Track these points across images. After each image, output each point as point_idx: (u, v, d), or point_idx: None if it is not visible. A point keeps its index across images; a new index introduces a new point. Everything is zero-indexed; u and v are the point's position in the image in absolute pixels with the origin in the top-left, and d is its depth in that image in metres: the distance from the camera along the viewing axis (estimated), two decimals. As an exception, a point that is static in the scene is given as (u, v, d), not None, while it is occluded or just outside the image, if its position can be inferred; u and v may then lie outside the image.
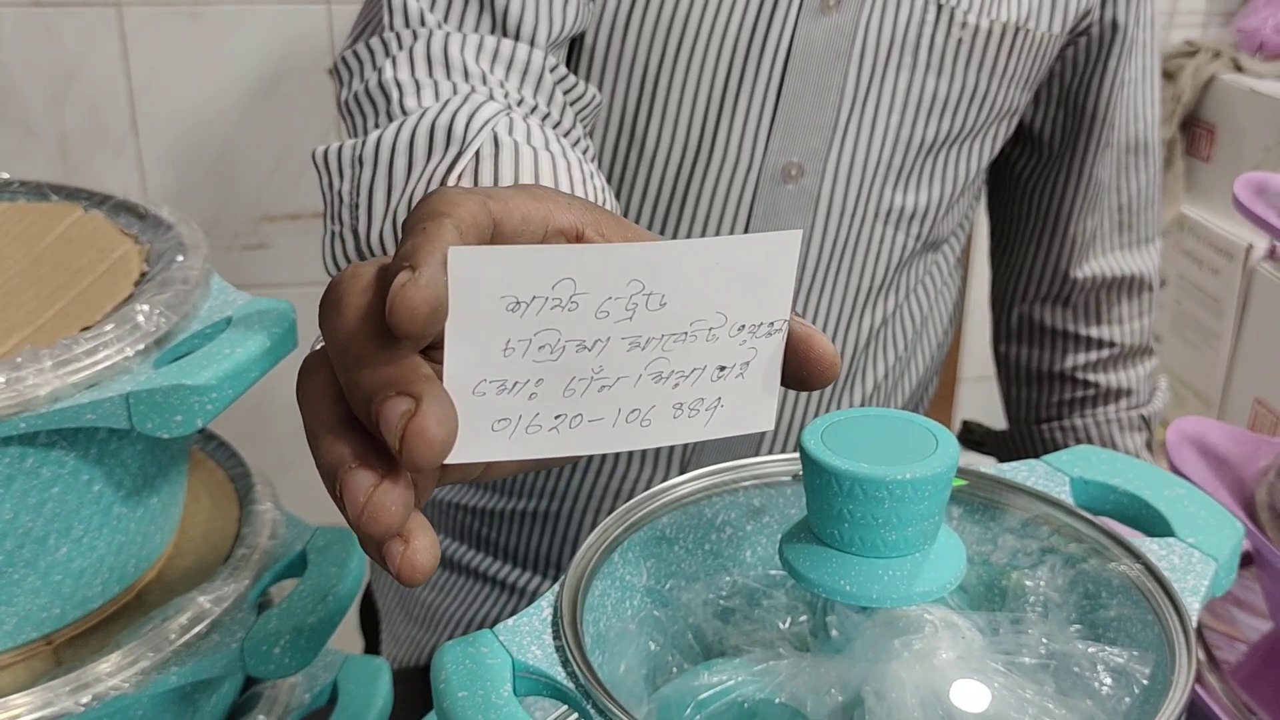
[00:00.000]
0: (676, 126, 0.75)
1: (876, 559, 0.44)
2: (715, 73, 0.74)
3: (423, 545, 0.33)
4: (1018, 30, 0.79)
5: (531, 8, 0.67)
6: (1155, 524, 0.50)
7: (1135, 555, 0.47)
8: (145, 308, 0.51)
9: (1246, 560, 0.70)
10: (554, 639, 0.43)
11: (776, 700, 0.45)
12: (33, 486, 0.49)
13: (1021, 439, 1.00)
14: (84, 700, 0.49)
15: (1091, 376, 0.96)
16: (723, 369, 0.38)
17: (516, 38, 0.66)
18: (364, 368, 0.32)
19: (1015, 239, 0.96)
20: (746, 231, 0.78)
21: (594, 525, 0.81)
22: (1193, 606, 0.45)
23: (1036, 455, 0.76)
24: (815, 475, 0.43)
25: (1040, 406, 0.99)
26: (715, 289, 0.36)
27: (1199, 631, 0.65)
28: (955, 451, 0.43)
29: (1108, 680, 0.43)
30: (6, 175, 0.65)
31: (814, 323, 0.82)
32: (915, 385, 0.92)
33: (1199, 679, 0.61)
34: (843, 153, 0.78)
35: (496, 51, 0.64)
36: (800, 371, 0.39)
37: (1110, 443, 0.94)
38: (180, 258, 0.56)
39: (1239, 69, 1.77)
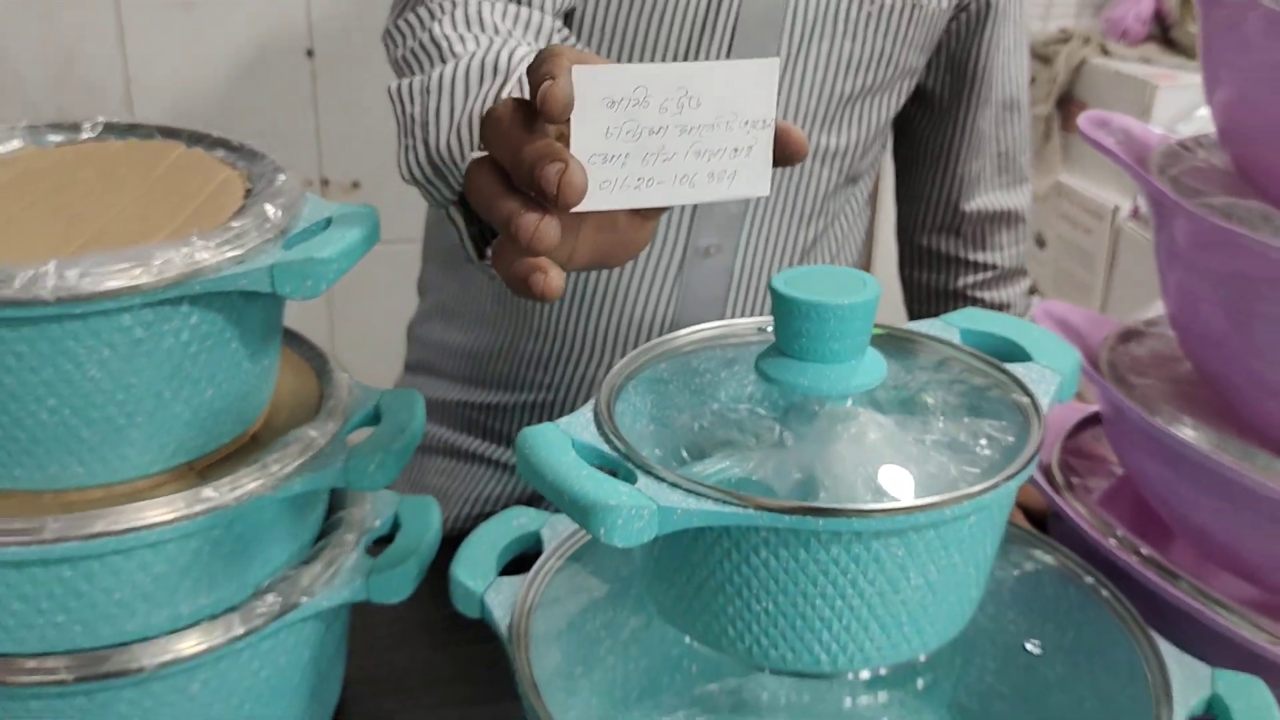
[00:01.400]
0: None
1: (825, 364, 0.62)
2: (678, 40, 0.93)
3: (557, 272, 0.56)
4: (914, 6, 0.98)
5: None
6: (1019, 354, 0.70)
7: (1005, 372, 0.66)
8: (269, 206, 0.67)
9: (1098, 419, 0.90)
10: (597, 428, 0.61)
11: (753, 479, 0.63)
12: (195, 339, 0.65)
13: None
14: (235, 495, 0.66)
15: (979, 294, 1.17)
16: (736, 150, 0.58)
17: (530, 5, 0.84)
18: (523, 147, 0.53)
19: (915, 180, 1.16)
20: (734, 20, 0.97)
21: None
22: (1044, 403, 0.65)
23: None
24: (782, 305, 0.62)
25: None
26: (730, 95, 0.57)
27: (1066, 468, 0.84)
28: (878, 289, 0.62)
29: (986, 446, 0.62)
30: (118, 119, 0.80)
31: (759, 239, 1.01)
32: None
33: (1068, 506, 0.80)
34: (779, 102, 0.97)
35: (517, 16, 0.82)
36: (782, 152, 0.59)
37: None
38: (281, 176, 0.72)
39: (1106, 53, 2.01)
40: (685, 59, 0.93)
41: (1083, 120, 0.83)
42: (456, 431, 1.08)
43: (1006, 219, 1.16)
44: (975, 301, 1.18)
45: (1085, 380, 0.78)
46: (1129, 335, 0.85)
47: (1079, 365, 0.70)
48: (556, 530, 0.75)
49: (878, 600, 0.59)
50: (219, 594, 0.69)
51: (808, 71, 0.97)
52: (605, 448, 0.60)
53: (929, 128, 1.13)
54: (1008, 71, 1.10)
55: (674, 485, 0.57)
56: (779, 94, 0.97)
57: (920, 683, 0.65)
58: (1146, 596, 0.73)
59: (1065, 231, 2.00)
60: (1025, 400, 0.65)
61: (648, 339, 0.97)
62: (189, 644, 0.68)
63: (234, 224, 0.66)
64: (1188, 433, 0.73)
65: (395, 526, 0.79)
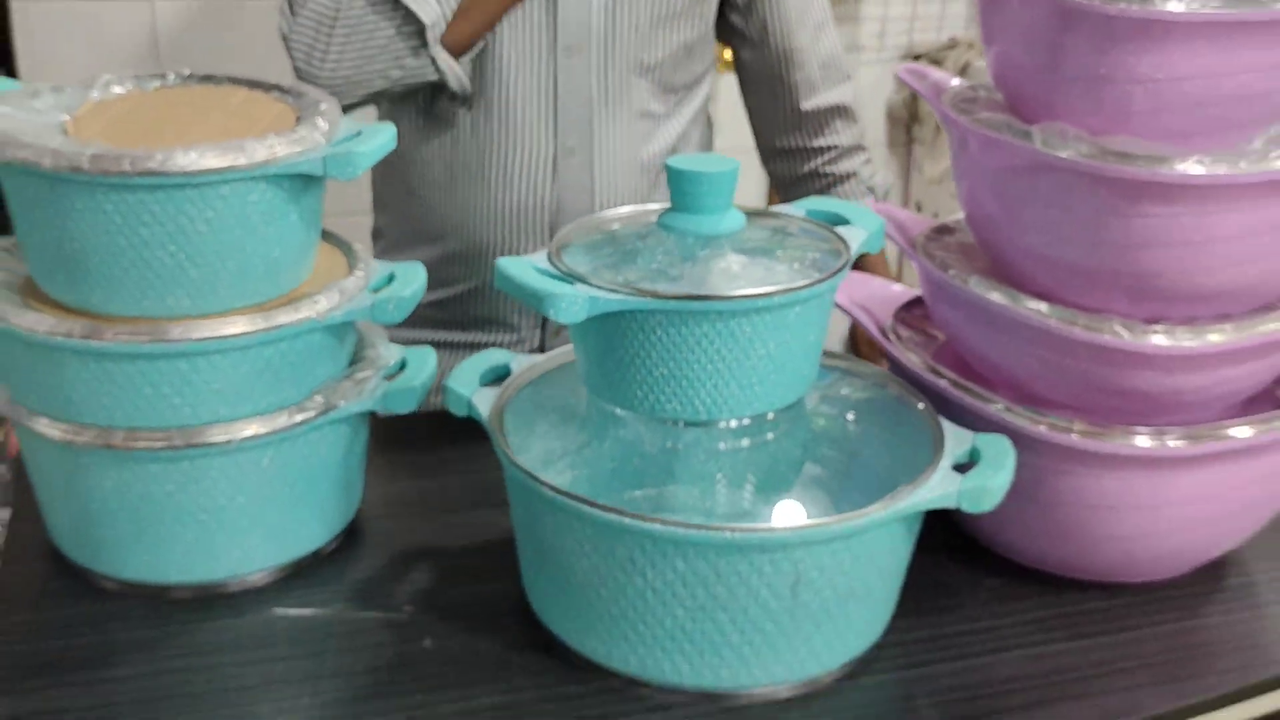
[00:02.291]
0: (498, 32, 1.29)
1: (705, 214, 0.92)
2: None
3: None
4: None
5: None
6: (843, 222, 1.00)
7: (829, 229, 0.97)
8: (320, 120, 0.97)
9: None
10: (548, 259, 0.91)
11: (652, 286, 0.92)
12: (268, 209, 0.94)
13: None
14: (296, 318, 0.94)
15: (827, 169, 1.50)
16: None
17: None
18: None
19: (758, 96, 1.50)
20: (555, 85, 1.32)
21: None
22: (853, 247, 0.95)
23: None
24: (675, 175, 0.92)
25: (802, 196, 1.52)
26: None
27: (895, 330, 1.14)
28: (737, 164, 0.92)
29: (810, 267, 0.92)
30: (197, 70, 1.09)
31: (607, 141, 1.37)
32: None
33: (893, 347, 1.10)
34: (603, 33, 1.30)
35: None
36: None
37: None
38: (323, 104, 1.02)
39: (985, 57, 2.34)
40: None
41: (902, 70, 1.14)
42: (416, 329, 1.42)
43: (837, 110, 1.50)
44: (826, 176, 1.51)
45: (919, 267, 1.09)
46: (942, 230, 1.16)
47: (882, 227, 1.00)
48: (520, 364, 1.04)
49: (735, 365, 0.89)
50: (283, 394, 0.98)
51: (619, 8, 1.30)
52: (554, 270, 0.90)
53: (758, 57, 1.47)
54: (808, 3, 1.45)
55: (598, 286, 0.87)
56: (603, 18, 1.28)
57: (770, 435, 0.95)
58: (939, 401, 1.03)
59: (956, 209, 2.31)
60: (840, 245, 0.95)
61: (539, 219, 1.31)
62: (261, 427, 0.96)
63: (298, 130, 0.95)
64: (971, 283, 1.03)
65: (402, 367, 1.08)
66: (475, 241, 1.39)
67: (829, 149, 1.52)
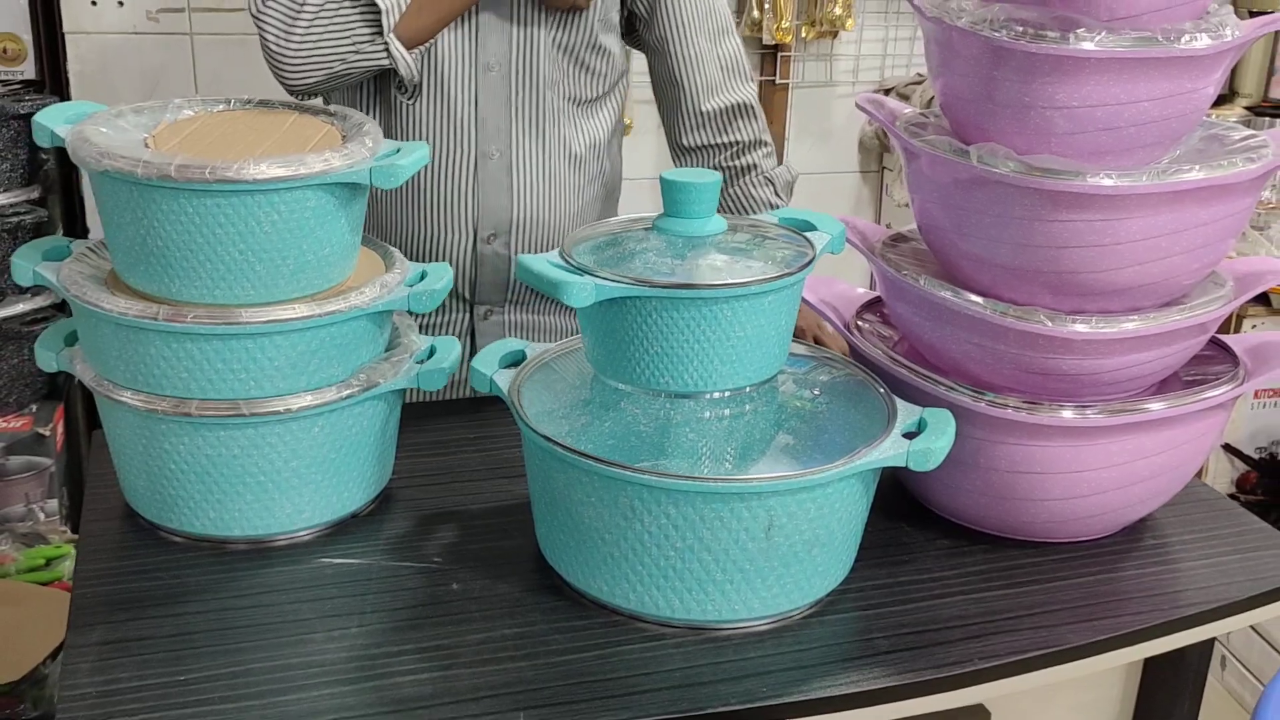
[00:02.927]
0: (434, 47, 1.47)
1: (690, 219, 1.09)
2: None
3: None
4: None
5: None
6: (810, 227, 1.17)
7: (799, 233, 1.14)
8: (366, 139, 1.14)
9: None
10: (560, 255, 1.07)
11: (650, 277, 1.08)
12: (322, 213, 1.11)
13: None
14: (345, 305, 1.11)
15: (730, 163, 1.65)
16: None
17: None
18: None
19: (666, 98, 1.64)
20: (475, 97, 1.50)
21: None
22: (816, 250, 1.12)
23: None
24: (668, 185, 1.09)
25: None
26: None
27: (857, 325, 1.31)
28: (719, 178, 1.10)
29: (781, 264, 1.09)
30: (258, 97, 1.26)
31: (524, 147, 1.53)
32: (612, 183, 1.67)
33: (855, 336, 1.27)
34: (517, 55, 1.49)
35: None
36: None
37: (751, 197, 1.64)
38: (366, 125, 1.19)
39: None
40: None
41: (860, 98, 1.32)
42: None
43: (739, 109, 1.62)
44: (729, 169, 1.64)
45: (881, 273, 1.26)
46: (897, 238, 1.33)
47: (844, 232, 1.18)
48: (535, 350, 1.21)
49: (719, 344, 1.06)
50: (332, 371, 1.14)
51: (529, 25, 1.48)
52: (566, 264, 1.07)
53: (663, 64, 1.62)
54: (709, 9, 1.59)
55: (604, 277, 1.04)
56: (516, 43, 1.48)
57: (748, 407, 1.11)
58: (895, 383, 1.20)
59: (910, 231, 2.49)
60: (807, 246, 1.12)
61: (463, 213, 1.52)
62: (313, 400, 1.13)
63: (348, 146, 1.12)
64: (922, 282, 1.21)
65: (431, 353, 1.24)
66: (410, 228, 1.56)
67: (731, 144, 1.65)
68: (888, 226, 2.54)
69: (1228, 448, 2.43)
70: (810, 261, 1.09)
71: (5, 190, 1.88)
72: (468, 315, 1.61)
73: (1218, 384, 1.22)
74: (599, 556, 1.07)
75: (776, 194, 1.66)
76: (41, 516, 1.99)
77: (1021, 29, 1.10)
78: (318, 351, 1.13)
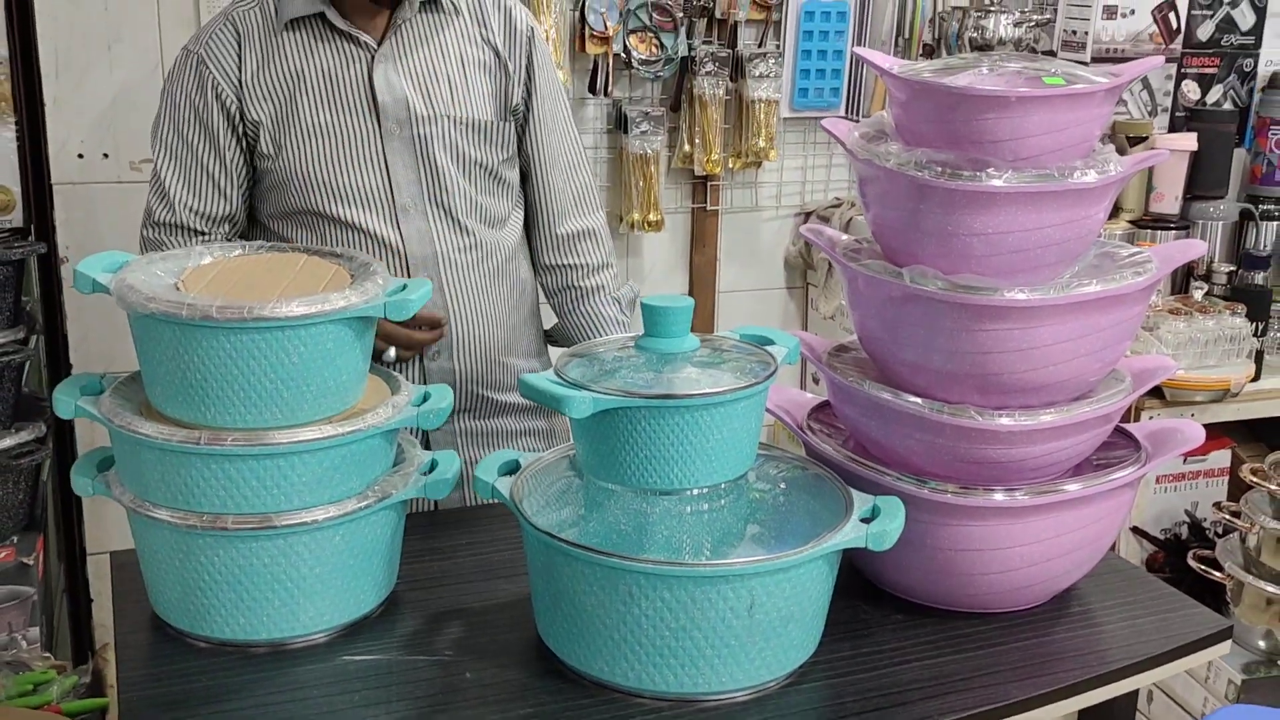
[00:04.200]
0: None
1: (668, 338, 1.26)
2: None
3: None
4: (475, 123, 1.68)
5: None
6: (768, 342, 1.34)
7: (760, 348, 1.31)
8: (378, 277, 1.29)
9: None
10: (555, 374, 1.23)
11: (635, 389, 1.24)
12: (341, 343, 1.25)
13: (564, 326, 1.88)
14: (362, 426, 1.25)
15: (580, 283, 1.84)
16: None
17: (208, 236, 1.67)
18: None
19: (529, 220, 1.83)
20: (400, 233, 1.68)
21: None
22: (778, 361, 1.29)
23: (579, 333, 1.84)
24: (648, 309, 1.25)
25: (564, 304, 1.86)
26: None
27: (809, 425, 1.48)
28: (692, 302, 1.27)
29: (749, 374, 1.25)
30: (266, 242, 1.41)
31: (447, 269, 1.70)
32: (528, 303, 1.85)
33: (808, 435, 1.44)
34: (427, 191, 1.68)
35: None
36: None
37: (600, 315, 1.83)
38: (373, 265, 1.34)
39: (866, 212, 2.75)
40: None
41: (804, 229, 1.51)
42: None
43: (588, 234, 1.83)
44: (578, 288, 1.84)
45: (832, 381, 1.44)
46: (841, 349, 1.51)
47: (799, 345, 1.35)
48: (528, 459, 1.35)
49: (697, 445, 1.21)
50: (349, 485, 1.27)
51: (444, 168, 1.67)
52: (562, 381, 1.22)
53: (529, 189, 1.81)
54: (563, 148, 1.80)
55: (597, 390, 1.19)
56: (439, 186, 1.67)
57: (723, 501, 1.27)
58: (847, 475, 1.36)
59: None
60: (769, 359, 1.29)
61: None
62: (335, 511, 1.26)
63: (364, 284, 1.27)
64: (866, 386, 1.38)
65: (433, 465, 1.38)
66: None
67: (581, 266, 1.84)
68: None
69: (1136, 530, 2.62)
70: (774, 371, 1.26)
71: (-7, 331, 1.98)
72: (417, 363, 1.71)
73: (1124, 466, 1.40)
74: (600, 640, 1.21)
75: (621, 310, 1.86)
76: (24, 644, 2.04)
77: (941, 169, 1.29)
78: (339, 467, 1.26)
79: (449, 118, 1.66)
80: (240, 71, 1.63)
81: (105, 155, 2.14)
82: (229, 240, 1.65)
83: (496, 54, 1.71)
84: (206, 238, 1.67)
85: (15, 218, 2.09)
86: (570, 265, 1.83)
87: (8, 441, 2.01)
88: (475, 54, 1.69)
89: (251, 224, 1.74)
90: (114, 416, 1.25)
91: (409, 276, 1.66)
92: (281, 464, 1.22)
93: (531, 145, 1.77)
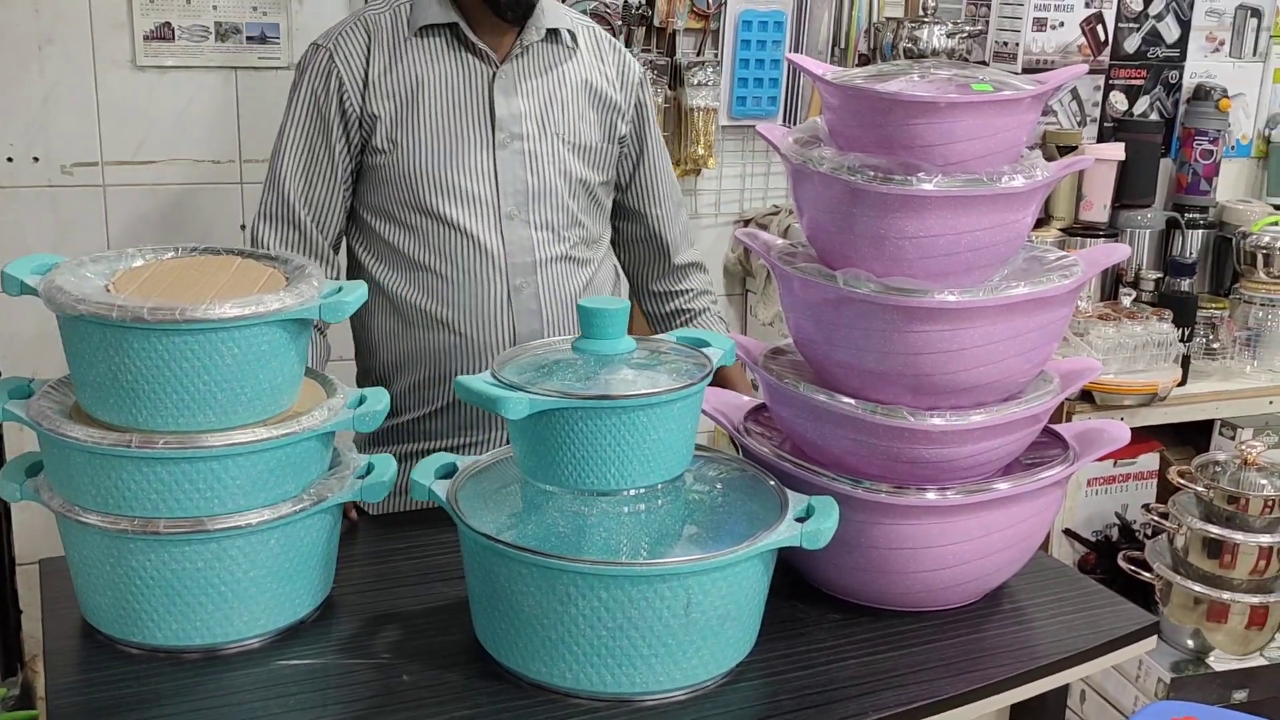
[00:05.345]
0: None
1: (604, 340, 1.27)
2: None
3: None
4: (588, 146, 1.76)
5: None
6: (704, 344, 1.35)
7: (696, 350, 1.32)
8: (313, 279, 1.28)
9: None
10: (492, 375, 1.23)
11: (571, 391, 1.25)
12: (274, 346, 1.24)
13: None
14: (297, 428, 1.24)
15: (688, 306, 1.94)
16: None
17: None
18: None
19: (635, 252, 1.93)
20: (503, 241, 1.72)
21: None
22: (713, 360, 1.30)
23: None
24: (584, 311, 1.26)
25: (674, 326, 1.94)
26: None
27: (745, 428, 1.49)
28: (627, 304, 1.28)
29: (683, 375, 1.26)
30: (199, 244, 1.39)
31: (547, 281, 1.75)
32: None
33: (745, 437, 1.45)
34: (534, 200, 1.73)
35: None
36: None
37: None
38: (308, 270, 1.33)
39: (803, 220, 2.78)
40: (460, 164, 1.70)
41: (739, 232, 1.52)
42: (407, 443, 1.76)
43: (696, 264, 1.99)
44: (688, 311, 1.94)
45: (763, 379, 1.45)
46: (776, 351, 1.53)
47: (734, 346, 1.36)
48: (465, 461, 1.35)
49: (634, 447, 1.22)
50: (284, 489, 1.26)
51: (551, 182, 1.73)
52: (499, 382, 1.22)
53: (637, 226, 1.91)
54: (671, 188, 1.92)
55: (534, 392, 1.19)
56: (544, 198, 1.73)
57: (660, 502, 1.27)
58: (783, 476, 1.38)
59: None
60: (704, 360, 1.30)
61: (501, 347, 1.68)
62: (270, 514, 1.25)
63: (298, 286, 1.26)
64: (801, 388, 1.39)
65: (369, 469, 1.37)
66: (445, 360, 1.73)
67: (690, 291, 1.96)
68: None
69: (1068, 532, 2.67)
70: (709, 373, 1.27)
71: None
72: (504, 434, 1.74)
73: (1052, 465, 1.43)
74: (537, 641, 1.21)
75: (727, 330, 1.93)
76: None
77: (873, 173, 1.31)
78: (274, 470, 1.25)
79: (559, 136, 1.75)
80: (367, 68, 1.70)
81: (35, 159, 2.11)
82: (327, 239, 1.74)
83: (610, 90, 1.81)
84: (303, 234, 1.72)
85: (-59, 223, 2.05)
86: (682, 291, 1.95)
87: (-67, 450, 1.98)
88: (590, 86, 1.79)
89: (351, 221, 1.78)
90: (42, 420, 1.23)
91: (508, 282, 1.72)
92: (215, 467, 1.21)
93: (646, 184, 1.89)
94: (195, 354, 1.20)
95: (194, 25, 2.15)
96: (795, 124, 2.87)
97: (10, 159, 2.08)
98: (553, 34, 1.76)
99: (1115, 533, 2.73)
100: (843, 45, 2.90)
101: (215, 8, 2.15)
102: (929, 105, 1.31)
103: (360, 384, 1.80)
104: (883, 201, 1.31)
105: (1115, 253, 1.47)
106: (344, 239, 1.79)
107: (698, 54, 2.78)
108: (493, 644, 1.26)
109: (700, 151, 2.76)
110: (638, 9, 2.68)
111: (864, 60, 2.88)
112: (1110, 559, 2.56)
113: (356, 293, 1.29)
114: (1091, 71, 2.81)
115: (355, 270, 1.79)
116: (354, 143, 1.72)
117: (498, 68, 1.72)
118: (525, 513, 1.27)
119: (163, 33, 2.14)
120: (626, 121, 1.83)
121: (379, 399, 1.34)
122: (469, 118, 1.71)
